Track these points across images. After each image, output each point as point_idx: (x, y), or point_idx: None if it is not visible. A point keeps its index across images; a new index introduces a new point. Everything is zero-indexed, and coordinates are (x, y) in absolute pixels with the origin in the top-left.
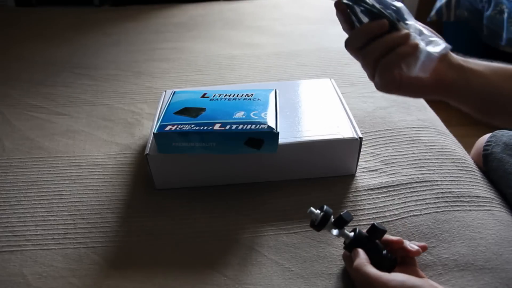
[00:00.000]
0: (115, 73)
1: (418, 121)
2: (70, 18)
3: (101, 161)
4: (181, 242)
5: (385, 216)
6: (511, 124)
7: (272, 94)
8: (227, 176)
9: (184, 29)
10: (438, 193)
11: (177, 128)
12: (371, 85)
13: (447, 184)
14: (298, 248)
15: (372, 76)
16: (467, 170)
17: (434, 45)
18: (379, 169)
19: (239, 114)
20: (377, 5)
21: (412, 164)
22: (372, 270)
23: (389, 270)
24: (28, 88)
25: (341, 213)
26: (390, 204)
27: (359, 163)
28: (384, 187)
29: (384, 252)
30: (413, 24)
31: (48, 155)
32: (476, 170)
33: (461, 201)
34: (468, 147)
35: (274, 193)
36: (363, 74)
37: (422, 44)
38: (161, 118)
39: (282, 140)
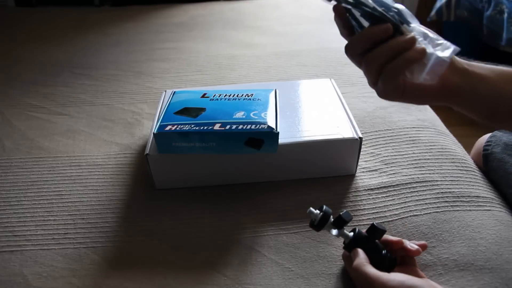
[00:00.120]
0: (115, 73)
1: (418, 121)
2: (70, 18)
3: (101, 161)
4: (181, 242)
5: (385, 216)
6: None
7: (272, 94)
8: (227, 176)
9: (184, 29)
10: (438, 193)
11: (177, 128)
12: None
13: (447, 184)
14: (298, 248)
15: (374, 83)
16: (467, 170)
17: (443, 48)
18: (379, 169)
19: (239, 114)
20: (379, 8)
21: (412, 164)
22: (371, 270)
23: (389, 270)
24: (28, 88)
25: (341, 213)
26: (390, 204)
27: (359, 163)
28: (384, 187)
29: (383, 252)
30: (416, 26)
31: (48, 155)
32: (476, 170)
33: (461, 201)
34: (468, 147)
35: (274, 193)
36: (363, 74)
37: (430, 49)
38: (161, 118)
39: (282, 140)
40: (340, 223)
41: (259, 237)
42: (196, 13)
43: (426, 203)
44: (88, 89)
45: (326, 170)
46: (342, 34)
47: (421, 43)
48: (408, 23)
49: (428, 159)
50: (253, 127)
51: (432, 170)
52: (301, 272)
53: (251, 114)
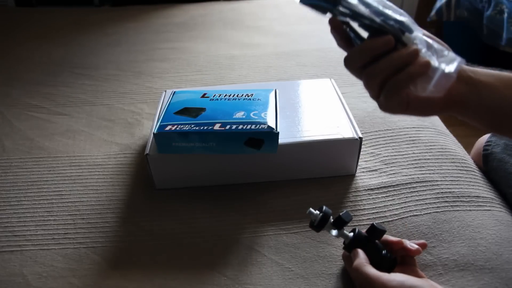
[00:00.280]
0: (115, 73)
1: (418, 121)
2: (70, 18)
3: (101, 161)
4: (181, 242)
5: (385, 216)
6: None
7: (272, 94)
8: (227, 176)
9: (184, 29)
10: (438, 193)
11: (177, 128)
12: None
13: (447, 184)
14: (298, 248)
15: (376, 97)
16: (467, 170)
17: (448, 60)
18: (379, 169)
19: (239, 114)
20: (377, 19)
21: (412, 164)
22: (371, 270)
23: (389, 270)
24: (28, 88)
25: (340, 214)
26: (390, 204)
27: (359, 163)
28: (384, 187)
29: (383, 252)
30: (419, 35)
31: (48, 155)
32: (476, 170)
33: (461, 201)
34: (468, 147)
35: (274, 193)
36: (364, 87)
37: (434, 61)
38: (161, 118)
39: (282, 140)
40: (340, 223)
41: (259, 237)
42: (196, 13)
43: (426, 203)
44: (88, 89)
45: (326, 170)
46: (340, 46)
47: (425, 55)
48: (410, 31)
49: (428, 159)
50: (253, 127)
51: (432, 170)
52: (301, 272)
53: (251, 114)
